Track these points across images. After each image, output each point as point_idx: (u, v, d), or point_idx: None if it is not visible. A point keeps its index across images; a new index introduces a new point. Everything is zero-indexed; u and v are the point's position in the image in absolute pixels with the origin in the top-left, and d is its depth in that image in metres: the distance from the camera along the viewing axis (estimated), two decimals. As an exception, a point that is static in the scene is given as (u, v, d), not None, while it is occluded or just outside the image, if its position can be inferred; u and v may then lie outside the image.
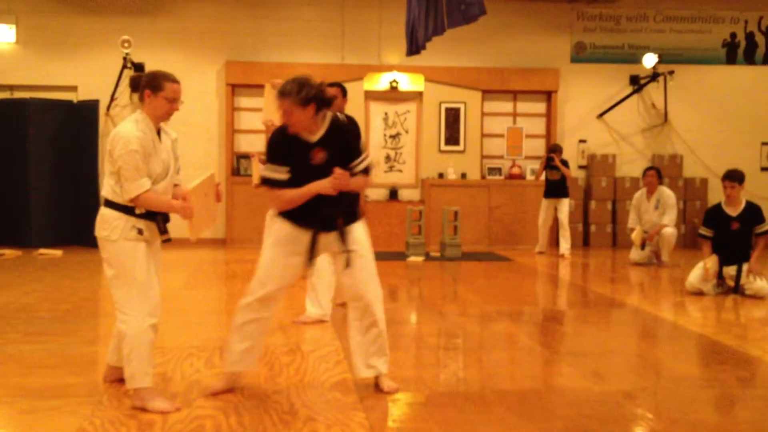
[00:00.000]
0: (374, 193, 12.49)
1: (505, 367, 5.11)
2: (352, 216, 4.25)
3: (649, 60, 12.64)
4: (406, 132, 12.85)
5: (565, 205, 11.26)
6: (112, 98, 11.93)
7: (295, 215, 4.13)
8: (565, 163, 11.24)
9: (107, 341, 5.42)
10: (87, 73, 12.08)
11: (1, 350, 5.10)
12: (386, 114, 12.80)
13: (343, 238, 4.15)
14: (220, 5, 12.40)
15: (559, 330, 6.47)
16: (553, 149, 11.40)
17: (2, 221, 11.40)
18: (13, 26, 11.99)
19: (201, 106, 12.29)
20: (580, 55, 13.05)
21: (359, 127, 4.86)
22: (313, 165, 4.01)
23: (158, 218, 3.96)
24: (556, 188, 11.29)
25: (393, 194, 12.60)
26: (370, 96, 12.62)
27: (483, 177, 12.86)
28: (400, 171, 12.85)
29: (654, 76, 12.75)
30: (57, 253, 10.49)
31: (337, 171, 3.94)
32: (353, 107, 11.42)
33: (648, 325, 6.67)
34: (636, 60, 12.87)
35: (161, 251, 4.10)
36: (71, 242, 11.11)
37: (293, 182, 4.04)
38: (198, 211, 3.99)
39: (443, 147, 12.74)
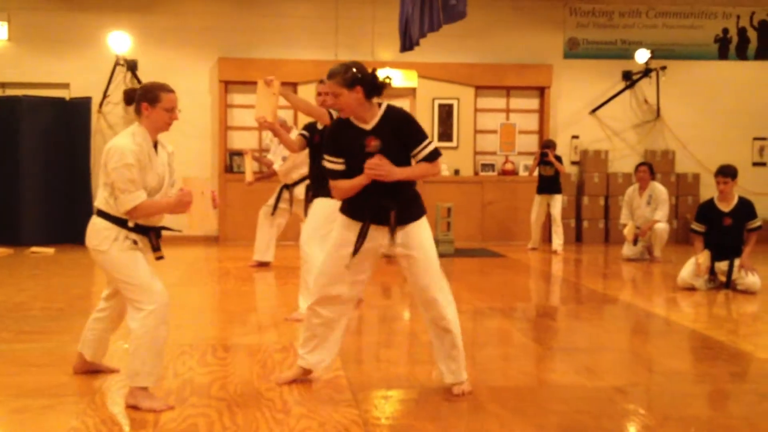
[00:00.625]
0: (367, 190, 12.48)
1: (498, 363, 5.12)
2: (410, 210, 4.07)
3: (642, 56, 12.66)
4: (400, 128, 12.82)
5: (557, 201, 11.28)
6: (105, 96, 11.90)
7: (348, 205, 4.09)
8: (558, 158, 11.26)
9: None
10: (79, 70, 12.04)
11: (-6, 349, 5.10)
12: (379, 110, 12.76)
13: (392, 234, 4.01)
14: (213, 2, 12.37)
15: (552, 326, 6.49)
16: (547, 145, 11.41)
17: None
18: (5, 23, 11.94)
19: (194, 103, 12.24)
20: (573, 50, 13.06)
21: (318, 124, 4.78)
22: (369, 153, 3.93)
23: (151, 234, 3.99)
24: (549, 184, 11.30)
25: (386, 191, 12.56)
26: (364, 92, 12.59)
27: (476, 173, 12.87)
28: (394, 167, 12.82)
29: (646, 71, 12.78)
30: (49, 251, 10.47)
31: (372, 160, 3.87)
32: (346, 104, 11.44)
33: (640, 320, 6.70)
34: (628, 56, 12.89)
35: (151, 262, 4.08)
36: (63, 240, 11.07)
37: (352, 172, 3.99)
38: (196, 200, 4.00)
39: (437, 143, 12.70)
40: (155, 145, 3.98)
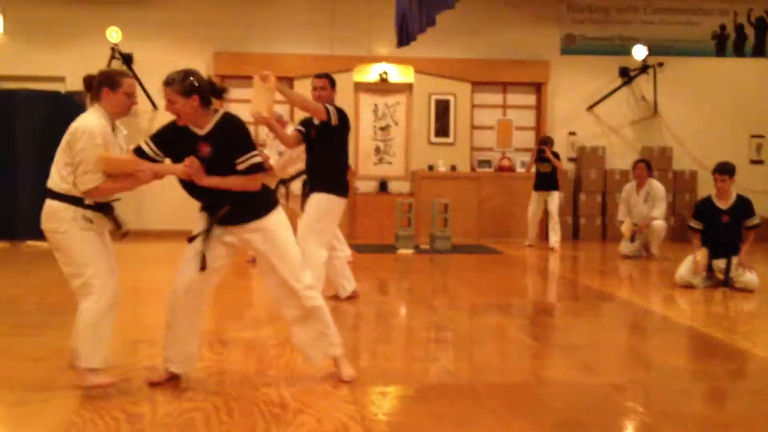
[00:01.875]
0: (364, 186, 12.47)
1: (495, 359, 5.10)
2: (242, 210, 4.06)
3: (639, 52, 12.65)
4: (396, 124, 12.82)
5: (555, 198, 11.25)
6: (100, 89, 11.84)
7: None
8: (555, 155, 11.24)
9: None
10: (75, 63, 11.95)
11: (-11, 343, 5.07)
12: (376, 106, 12.76)
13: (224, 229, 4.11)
14: (209, -4, 12.32)
15: (549, 323, 6.48)
16: (544, 141, 11.38)
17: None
18: (0, 16, 11.87)
19: (190, 97, 12.21)
20: (570, 47, 13.04)
21: (314, 119, 4.72)
22: (201, 158, 3.94)
23: (109, 210, 4.00)
24: (546, 181, 11.28)
25: (383, 186, 12.58)
26: (360, 87, 12.59)
27: (473, 169, 12.85)
28: (390, 163, 12.83)
29: (644, 68, 12.77)
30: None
31: (188, 159, 3.91)
32: (343, 99, 11.38)
33: (638, 317, 6.69)
34: (626, 52, 12.87)
35: (111, 244, 4.10)
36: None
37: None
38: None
39: (433, 139, 12.72)
40: (113, 129, 4.02)
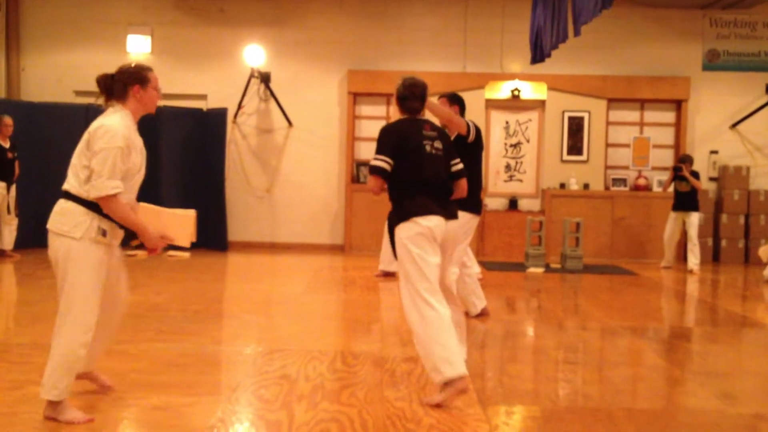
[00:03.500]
0: (493, 203, 12.39)
1: (631, 384, 4.93)
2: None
3: (788, 67, 12.03)
4: (527, 141, 12.67)
5: (694, 219, 10.82)
6: (239, 107, 12.32)
7: None
8: (695, 174, 10.81)
9: (233, 342, 5.61)
10: (216, 82, 12.53)
11: (136, 347, 5.32)
12: (507, 123, 12.67)
13: None
14: (344, 16, 12.60)
15: (688, 348, 6.20)
16: (683, 160, 10.98)
17: (135, 223, 11.94)
18: (149, 37, 12.57)
19: (323, 114, 12.52)
20: (713, 62, 12.53)
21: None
22: None
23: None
24: (685, 201, 10.87)
25: (513, 204, 12.45)
26: (491, 104, 12.53)
27: (607, 188, 12.54)
28: (521, 180, 12.69)
29: (792, 84, 12.13)
30: (185, 255, 10.89)
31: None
32: (474, 116, 11.37)
33: (785, 346, 6.32)
34: (773, 68, 12.27)
35: (120, 254, 3.95)
36: (197, 245, 11.46)
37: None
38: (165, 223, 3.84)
39: (565, 157, 12.49)
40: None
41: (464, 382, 4.03)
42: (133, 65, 3.86)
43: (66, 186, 3.66)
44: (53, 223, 3.65)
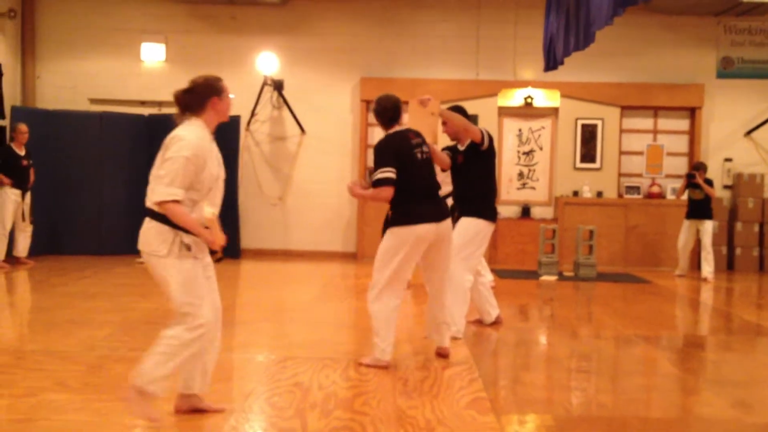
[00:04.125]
0: (506, 210, 12.36)
1: (645, 393, 4.90)
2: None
3: (803, 75, 11.96)
4: (540, 149, 12.65)
5: (708, 227, 10.77)
6: (252, 114, 12.36)
7: None
8: (709, 182, 10.76)
9: (246, 349, 5.61)
10: (229, 89, 12.52)
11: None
12: (520, 130, 12.65)
13: None
14: (356, 23, 12.63)
15: (702, 356, 6.17)
16: (697, 167, 10.93)
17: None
18: (163, 45, 12.64)
19: (335, 121, 12.55)
20: (727, 70, 12.48)
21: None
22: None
23: None
24: (699, 209, 10.82)
25: (525, 212, 12.42)
26: (504, 112, 12.52)
27: (620, 195, 12.49)
28: (533, 188, 12.66)
29: (808, 91, 12.06)
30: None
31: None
32: (486, 123, 11.39)
33: (802, 355, 6.27)
34: (788, 75, 12.21)
35: (211, 266, 3.93)
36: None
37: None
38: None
39: (578, 164, 12.46)
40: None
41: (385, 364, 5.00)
42: (206, 78, 3.90)
43: (148, 203, 3.70)
44: (141, 243, 3.72)
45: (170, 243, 3.63)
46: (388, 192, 4.97)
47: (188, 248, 3.67)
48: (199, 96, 3.82)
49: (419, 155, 5.07)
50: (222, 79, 3.94)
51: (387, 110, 5.13)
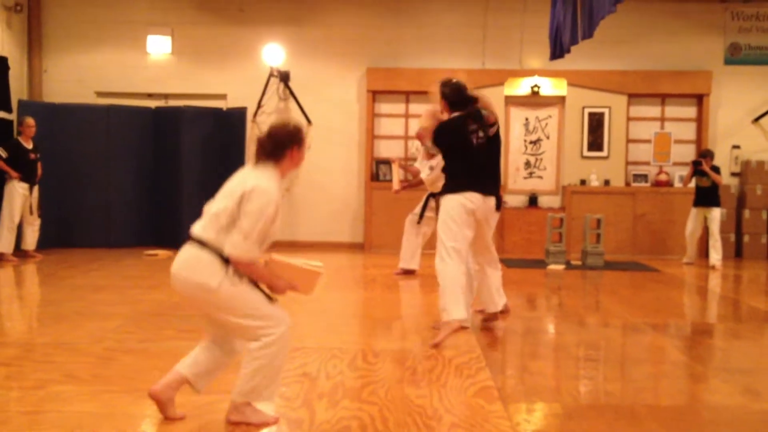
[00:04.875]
0: (513, 200, 12.35)
1: (654, 380, 4.89)
2: None
3: (811, 61, 11.88)
4: (547, 138, 12.62)
5: (716, 214, 10.74)
6: (259, 106, 12.36)
7: None
8: (716, 169, 10.72)
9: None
10: (236, 81, 12.58)
11: (158, 345, 5.37)
12: (527, 119, 12.62)
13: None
14: (362, 13, 12.60)
15: (711, 344, 6.15)
16: (704, 154, 10.89)
17: (156, 222, 12.04)
18: (169, 37, 12.64)
19: (342, 111, 12.54)
20: (735, 56, 12.41)
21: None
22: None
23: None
24: (706, 196, 10.79)
25: (533, 201, 12.40)
26: (511, 101, 12.49)
27: (628, 184, 12.46)
28: (540, 177, 12.64)
29: (816, 77, 11.98)
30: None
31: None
32: (493, 113, 11.35)
33: (811, 342, 6.25)
34: (796, 61, 12.13)
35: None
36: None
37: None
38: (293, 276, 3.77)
39: (586, 153, 12.43)
40: None
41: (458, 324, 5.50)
42: (290, 125, 3.75)
43: (202, 233, 3.56)
44: (186, 269, 3.55)
45: (222, 276, 3.50)
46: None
47: (240, 276, 3.55)
48: (280, 143, 3.68)
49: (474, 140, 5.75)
50: (303, 128, 3.81)
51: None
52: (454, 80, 5.88)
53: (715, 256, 10.66)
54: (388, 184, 11.06)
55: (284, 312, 3.70)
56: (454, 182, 5.79)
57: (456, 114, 5.79)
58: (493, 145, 5.89)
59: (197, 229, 3.60)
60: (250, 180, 3.57)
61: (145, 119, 12.01)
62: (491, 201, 5.76)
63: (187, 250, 3.59)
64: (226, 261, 3.51)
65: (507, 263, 10.26)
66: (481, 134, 5.71)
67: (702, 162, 10.71)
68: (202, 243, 3.55)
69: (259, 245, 3.53)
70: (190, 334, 5.73)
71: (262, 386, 3.61)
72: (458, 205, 5.62)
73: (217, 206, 3.58)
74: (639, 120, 12.61)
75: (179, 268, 3.57)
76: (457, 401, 4.11)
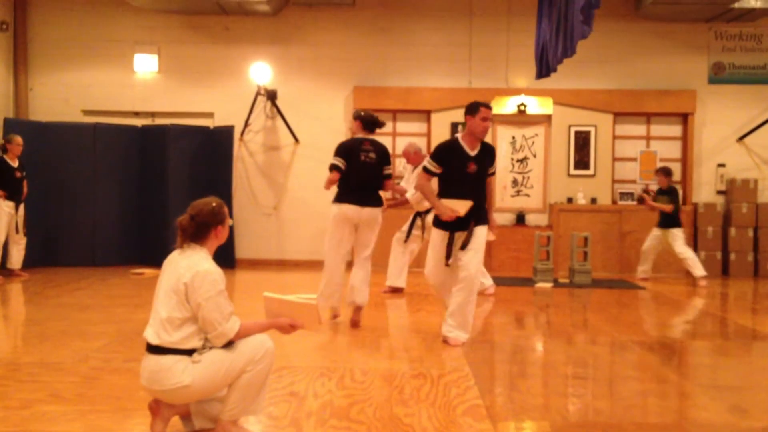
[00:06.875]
0: (501, 218, 12.37)
1: (642, 398, 4.89)
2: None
3: (794, 80, 12.01)
4: (534, 156, 12.67)
5: (675, 234, 10.81)
6: (246, 124, 12.37)
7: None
8: (673, 191, 10.81)
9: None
10: (223, 99, 12.58)
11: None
12: (513, 138, 12.68)
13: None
14: (349, 32, 12.65)
15: (698, 362, 6.17)
16: (665, 172, 10.98)
17: (143, 241, 11.98)
18: (155, 56, 12.64)
19: (329, 130, 12.55)
20: (719, 75, 12.54)
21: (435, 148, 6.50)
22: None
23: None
24: (666, 218, 10.92)
25: (520, 219, 12.43)
26: (498, 120, 12.55)
27: (614, 202, 12.52)
28: (528, 195, 12.68)
29: (799, 96, 12.11)
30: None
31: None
32: (481, 131, 11.37)
33: (797, 359, 6.27)
34: (779, 80, 12.26)
35: None
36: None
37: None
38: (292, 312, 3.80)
39: (572, 171, 12.49)
40: None
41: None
42: (212, 204, 3.78)
43: (157, 341, 3.53)
44: (156, 383, 3.53)
45: (191, 369, 3.51)
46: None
47: (204, 347, 3.57)
48: (204, 224, 3.72)
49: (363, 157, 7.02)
50: (224, 204, 3.85)
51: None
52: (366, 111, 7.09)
53: (696, 271, 10.70)
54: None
55: (262, 336, 3.68)
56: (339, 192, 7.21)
57: (359, 135, 6.99)
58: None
59: (151, 337, 3.56)
60: (185, 270, 3.57)
61: (131, 138, 11.98)
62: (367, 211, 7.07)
63: (149, 361, 3.56)
64: (188, 353, 3.52)
65: (495, 281, 10.26)
66: (372, 155, 6.91)
67: (645, 198, 10.86)
68: (160, 350, 3.53)
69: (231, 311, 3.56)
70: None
71: (248, 401, 3.63)
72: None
73: (165, 311, 3.55)
74: (625, 138, 12.69)
75: (150, 382, 3.56)
76: (445, 420, 4.09)
